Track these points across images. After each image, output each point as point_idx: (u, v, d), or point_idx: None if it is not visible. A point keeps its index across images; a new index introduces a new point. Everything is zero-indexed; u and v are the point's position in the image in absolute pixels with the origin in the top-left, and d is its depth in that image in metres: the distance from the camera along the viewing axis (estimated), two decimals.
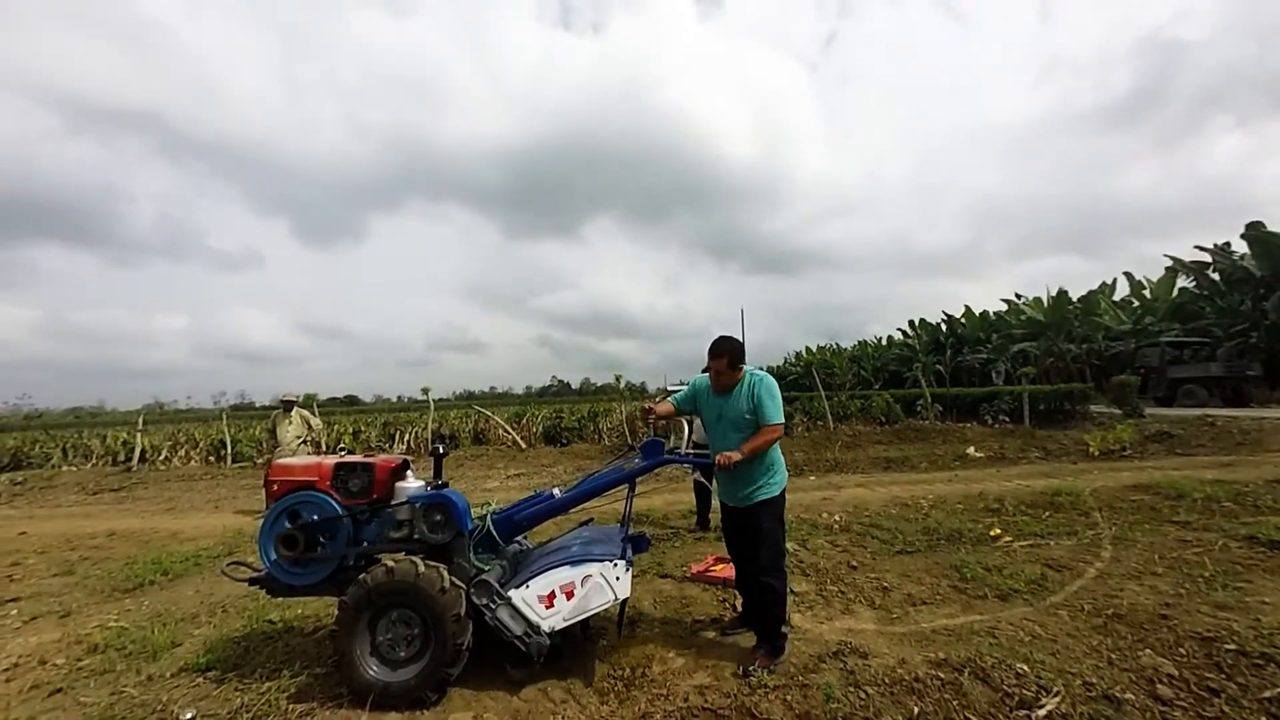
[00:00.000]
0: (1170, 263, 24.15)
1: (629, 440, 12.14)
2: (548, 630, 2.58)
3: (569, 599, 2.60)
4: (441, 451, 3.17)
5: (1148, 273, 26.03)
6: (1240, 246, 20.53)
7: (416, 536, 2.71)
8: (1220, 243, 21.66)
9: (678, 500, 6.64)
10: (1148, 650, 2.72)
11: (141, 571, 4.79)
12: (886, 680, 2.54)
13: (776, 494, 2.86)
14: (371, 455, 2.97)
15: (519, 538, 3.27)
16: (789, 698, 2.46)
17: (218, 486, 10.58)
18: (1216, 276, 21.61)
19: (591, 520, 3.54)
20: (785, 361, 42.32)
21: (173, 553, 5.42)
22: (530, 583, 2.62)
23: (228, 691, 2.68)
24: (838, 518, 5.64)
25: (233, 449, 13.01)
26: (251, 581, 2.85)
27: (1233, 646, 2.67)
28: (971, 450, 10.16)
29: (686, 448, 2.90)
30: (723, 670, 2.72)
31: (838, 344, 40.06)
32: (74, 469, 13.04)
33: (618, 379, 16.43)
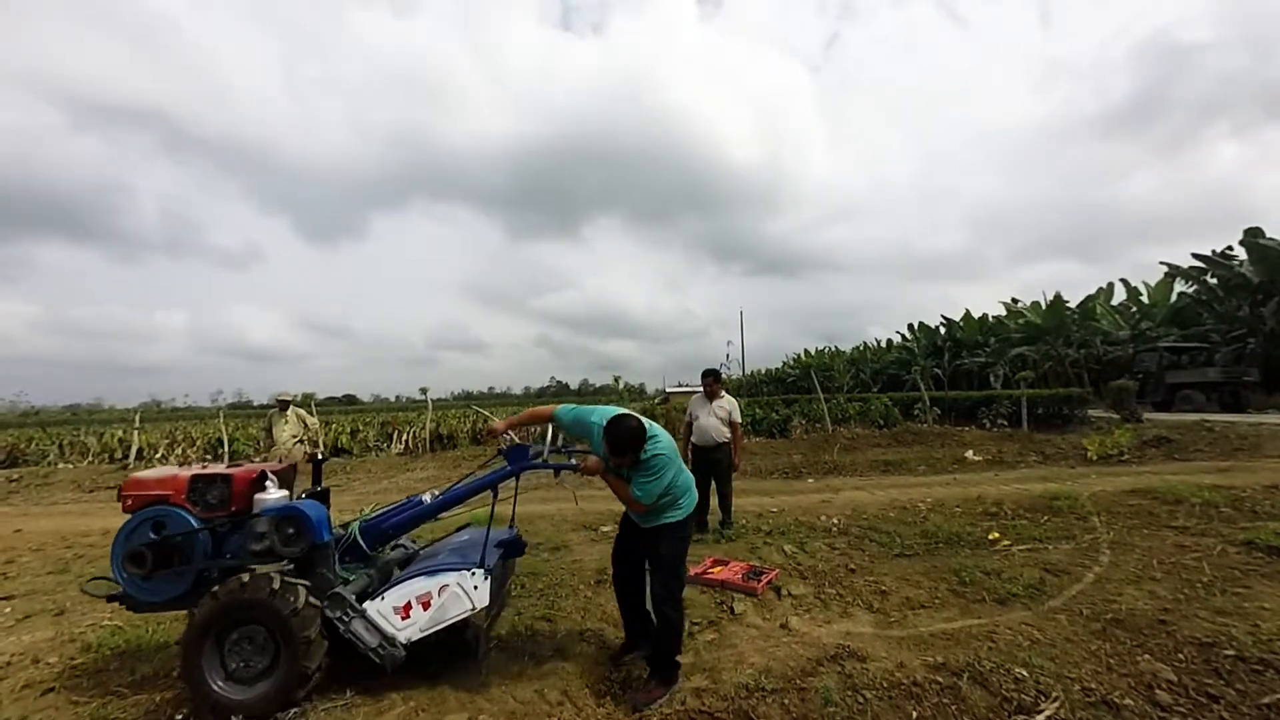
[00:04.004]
0: (1166, 269, 24.21)
1: None
2: (404, 641, 2.57)
3: (425, 609, 2.59)
4: (320, 458, 3.18)
5: (1147, 278, 26.09)
6: (1239, 252, 20.59)
7: (274, 549, 2.66)
8: (1220, 249, 21.71)
9: None
10: (1146, 655, 2.72)
11: None
12: (885, 684, 2.53)
13: (681, 518, 2.71)
14: (237, 465, 2.95)
15: (406, 541, 3.31)
16: (786, 701, 2.45)
17: None
18: (1214, 282, 21.65)
19: (469, 525, 3.53)
20: (784, 364, 42.36)
21: None
22: (386, 594, 2.61)
23: None
24: (836, 520, 5.63)
25: (230, 448, 12.96)
26: (110, 598, 2.75)
27: (1231, 652, 2.67)
28: (969, 454, 10.15)
29: (548, 455, 2.90)
30: (720, 673, 2.71)
31: (836, 347, 40.12)
32: (70, 466, 12.98)
33: (616, 380, 16.45)
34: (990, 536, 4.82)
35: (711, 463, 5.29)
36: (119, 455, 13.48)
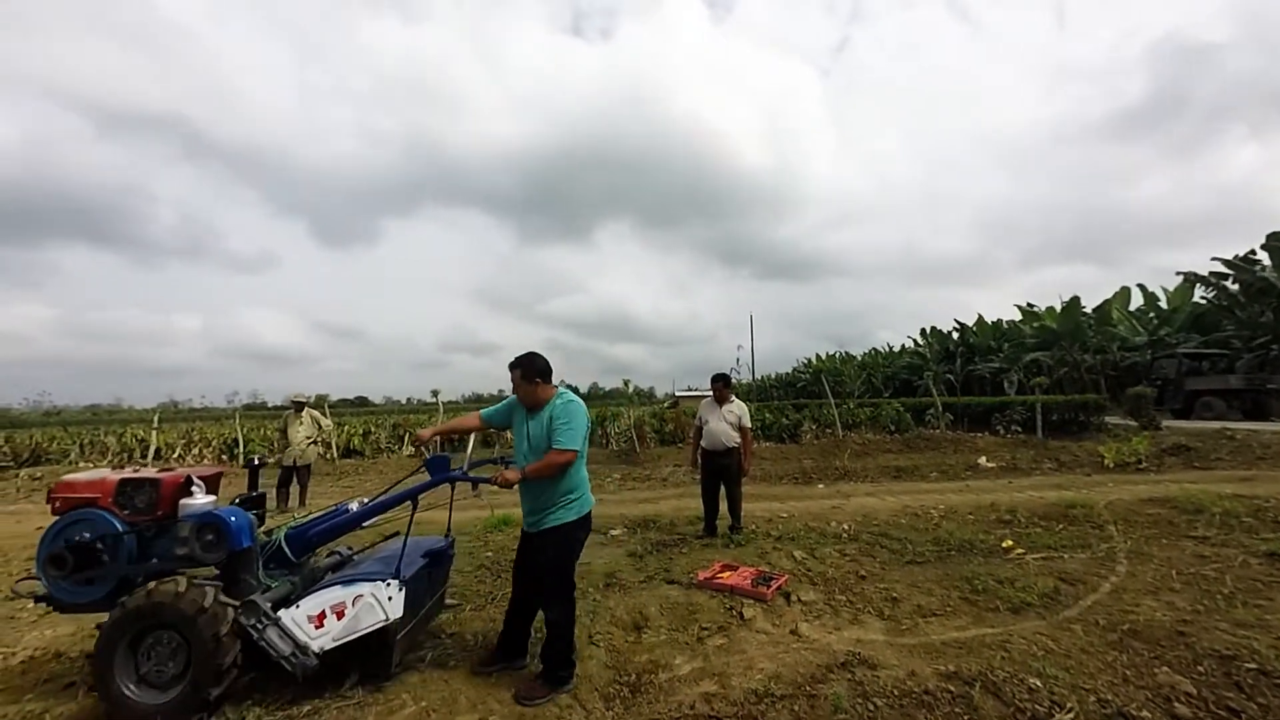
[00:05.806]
0: (1182, 277, 23.75)
1: (635, 446, 12.14)
2: (316, 650, 2.56)
3: (339, 619, 2.60)
4: (256, 463, 3.18)
5: (1162, 281, 25.70)
6: (1262, 257, 20.17)
7: (194, 555, 2.67)
8: (1238, 253, 21.28)
9: (685, 507, 6.61)
10: (1165, 668, 2.67)
11: None
12: (896, 692, 2.51)
13: (570, 519, 2.70)
14: (169, 469, 2.97)
15: (342, 548, 3.32)
16: (796, 708, 2.44)
17: (229, 485, 10.65)
18: (1236, 287, 21.22)
19: (398, 534, 3.55)
20: (794, 369, 42.18)
21: None
22: (301, 603, 2.62)
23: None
24: (847, 526, 5.59)
25: (244, 448, 13.16)
26: (37, 599, 2.77)
27: (1253, 665, 2.62)
28: (983, 460, 10.03)
29: (468, 467, 2.93)
30: (729, 679, 2.70)
31: (847, 352, 39.96)
32: (90, 465, 13.25)
33: (626, 384, 16.45)
34: (1004, 544, 4.76)
35: (721, 468, 5.28)
36: (138, 454, 13.74)
